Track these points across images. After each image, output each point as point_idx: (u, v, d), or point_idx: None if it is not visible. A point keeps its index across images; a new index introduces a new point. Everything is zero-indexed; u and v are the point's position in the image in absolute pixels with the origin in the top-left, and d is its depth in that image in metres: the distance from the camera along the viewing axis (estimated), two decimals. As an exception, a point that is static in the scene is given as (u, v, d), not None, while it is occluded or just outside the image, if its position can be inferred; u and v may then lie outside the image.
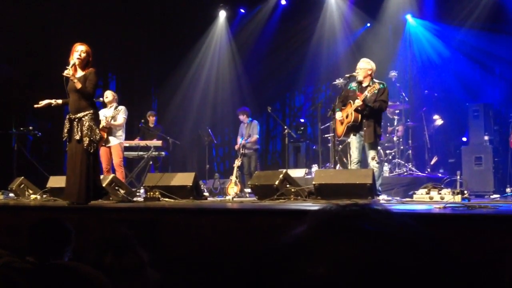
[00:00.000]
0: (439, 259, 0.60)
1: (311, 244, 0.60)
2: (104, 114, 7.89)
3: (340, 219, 0.62)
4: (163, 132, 10.44)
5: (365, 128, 6.43)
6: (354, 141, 6.61)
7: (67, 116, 5.77)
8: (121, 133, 8.05)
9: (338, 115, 6.66)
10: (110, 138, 7.84)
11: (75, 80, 5.56)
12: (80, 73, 5.72)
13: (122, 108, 8.06)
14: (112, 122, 7.91)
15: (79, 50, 5.69)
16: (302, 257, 0.59)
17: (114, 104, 8.13)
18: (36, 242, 2.91)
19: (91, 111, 5.71)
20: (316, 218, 0.64)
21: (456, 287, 0.59)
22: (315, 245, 0.60)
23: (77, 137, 5.62)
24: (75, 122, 5.66)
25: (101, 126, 7.42)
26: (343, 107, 6.67)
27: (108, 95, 8.19)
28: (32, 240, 2.93)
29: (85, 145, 5.60)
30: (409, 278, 0.56)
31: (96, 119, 5.80)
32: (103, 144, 7.48)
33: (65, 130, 5.71)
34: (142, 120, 10.40)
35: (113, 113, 7.96)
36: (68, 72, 5.56)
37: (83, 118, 5.64)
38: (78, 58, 5.66)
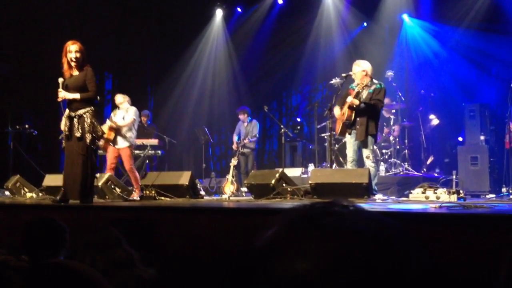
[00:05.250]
0: (411, 255, 0.59)
1: (284, 244, 0.60)
2: (115, 115, 7.76)
3: (309, 218, 0.63)
4: (157, 130, 10.42)
5: (357, 126, 6.47)
6: (349, 140, 6.65)
7: (66, 114, 5.68)
8: (130, 134, 7.59)
9: (337, 111, 6.68)
10: (118, 138, 7.50)
11: (74, 96, 5.55)
12: (76, 72, 5.69)
13: (133, 109, 7.80)
14: (120, 122, 7.77)
15: (72, 51, 5.61)
16: (276, 257, 0.59)
17: (126, 105, 7.89)
18: (31, 241, 2.90)
19: (92, 107, 5.65)
20: (285, 218, 0.64)
21: (430, 283, 0.59)
22: (287, 244, 0.60)
23: (78, 135, 5.53)
24: (75, 120, 5.59)
25: (109, 125, 7.33)
26: (342, 106, 6.71)
27: (119, 97, 7.91)
28: (27, 239, 2.92)
29: (88, 141, 5.52)
30: (380, 274, 0.56)
31: (96, 115, 5.73)
32: (111, 144, 7.36)
33: (66, 128, 5.62)
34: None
35: (123, 113, 7.78)
36: (62, 96, 5.57)
37: (84, 115, 5.58)
38: (73, 61, 5.61)
